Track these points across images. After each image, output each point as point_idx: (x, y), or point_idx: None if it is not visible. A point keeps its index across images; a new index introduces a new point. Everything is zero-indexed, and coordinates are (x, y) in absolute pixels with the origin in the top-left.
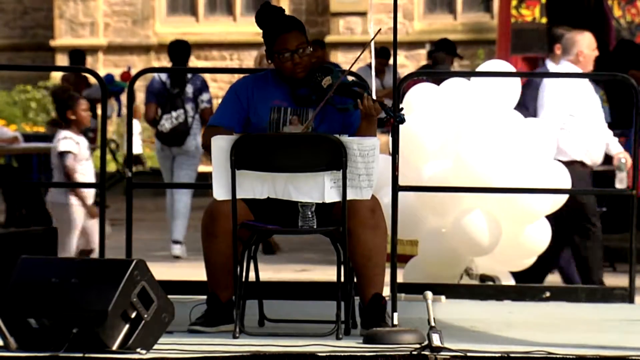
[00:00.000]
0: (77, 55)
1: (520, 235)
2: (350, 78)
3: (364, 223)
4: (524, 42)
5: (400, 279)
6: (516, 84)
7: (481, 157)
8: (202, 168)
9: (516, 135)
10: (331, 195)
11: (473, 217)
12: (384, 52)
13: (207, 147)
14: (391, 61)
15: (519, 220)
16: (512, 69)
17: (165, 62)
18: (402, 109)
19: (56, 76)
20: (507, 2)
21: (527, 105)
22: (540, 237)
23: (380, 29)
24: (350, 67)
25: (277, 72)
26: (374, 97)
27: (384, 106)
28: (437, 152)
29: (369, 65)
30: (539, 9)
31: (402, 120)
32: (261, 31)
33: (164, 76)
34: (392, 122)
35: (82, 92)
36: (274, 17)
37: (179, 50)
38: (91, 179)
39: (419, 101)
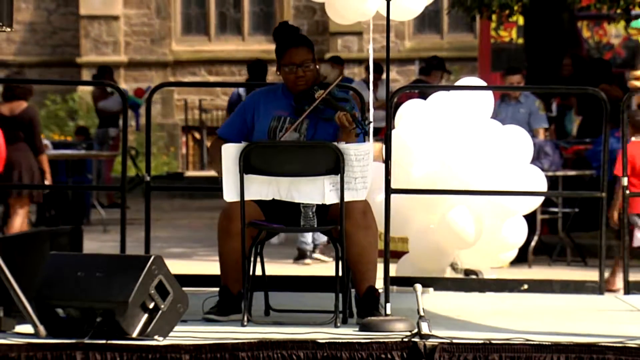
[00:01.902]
0: (104, 70)
1: (500, 232)
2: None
3: (356, 224)
4: (503, 60)
5: (393, 273)
6: (490, 97)
7: (465, 161)
8: (214, 173)
9: (495, 141)
10: (330, 198)
11: (458, 213)
12: (377, 68)
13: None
14: (384, 76)
15: (499, 217)
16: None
17: (180, 77)
18: (370, 122)
19: (82, 89)
20: (487, 24)
21: None
22: (517, 234)
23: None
24: (337, 81)
25: (286, 85)
26: (372, 107)
27: (354, 117)
28: (425, 157)
29: (364, 80)
30: (516, 30)
31: (367, 132)
32: (268, 49)
33: (241, 90)
34: (389, 133)
35: (98, 103)
36: (287, 33)
37: (258, 68)
38: None
39: (409, 113)
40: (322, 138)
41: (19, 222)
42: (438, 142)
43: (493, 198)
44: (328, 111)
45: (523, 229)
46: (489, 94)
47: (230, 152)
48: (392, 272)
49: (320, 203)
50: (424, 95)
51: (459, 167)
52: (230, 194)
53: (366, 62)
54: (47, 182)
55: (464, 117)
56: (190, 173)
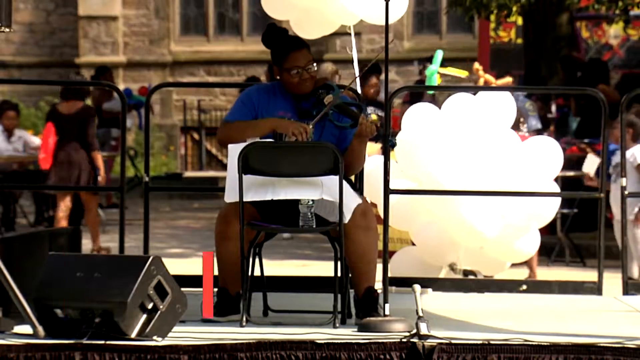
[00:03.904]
0: (102, 70)
1: (513, 242)
2: (346, 92)
3: (356, 225)
4: (502, 60)
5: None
6: (513, 107)
7: (488, 169)
8: (213, 173)
9: (518, 151)
10: (327, 195)
11: (473, 207)
12: (376, 69)
13: (222, 141)
14: (383, 76)
15: (514, 227)
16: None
17: (178, 77)
18: (395, 133)
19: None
20: (486, 24)
21: None
22: (530, 245)
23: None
24: (351, 83)
25: (283, 86)
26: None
27: (378, 130)
28: (448, 161)
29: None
30: (515, 31)
31: (393, 145)
32: (267, 50)
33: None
34: (388, 135)
35: (103, 105)
36: (281, 37)
37: None
38: None
39: (425, 119)
40: (328, 141)
41: (93, 216)
42: (463, 151)
43: (513, 206)
44: (344, 118)
45: (536, 241)
46: (512, 104)
47: (237, 152)
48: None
49: (318, 198)
50: (419, 96)
51: (482, 175)
52: (230, 195)
53: (365, 63)
54: (100, 179)
55: (491, 126)
56: (189, 174)
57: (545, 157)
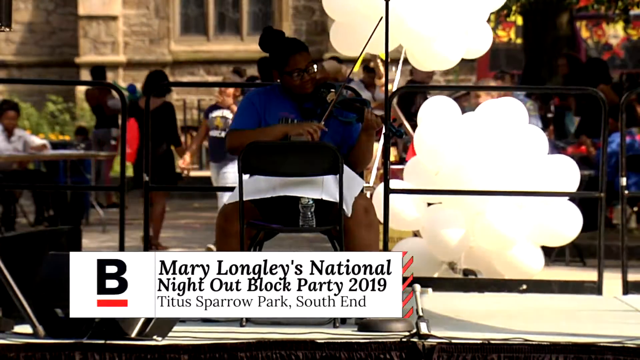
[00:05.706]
0: (98, 70)
1: (522, 260)
2: (348, 92)
3: (359, 222)
4: (501, 60)
5: None
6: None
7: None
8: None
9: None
10: (327, 196)
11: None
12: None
13: (234, 149)
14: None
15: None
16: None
17: (178, 77)
18: (400, 125)
19: (81, 89)
20: None
21: None
22: (536, 263)
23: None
24: (347, 81)
25: (283, 87)
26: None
27: (384, 121)
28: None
29: (361, 80)
30: (514, 30)
31: (401, 135)
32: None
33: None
34: (389, 134)
35: (107, 103)
36: (279, 40)
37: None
38: None
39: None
40: (332, 138)
41: (160, 209)
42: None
43: (535, 225)
44: (348, 114)
45: (541, 260)
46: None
47: None
48: None
49: (318, 197)
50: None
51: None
52: (231, 197)
53: (365, 63)
54: (183, 170)
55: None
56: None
57: (562, 174)
